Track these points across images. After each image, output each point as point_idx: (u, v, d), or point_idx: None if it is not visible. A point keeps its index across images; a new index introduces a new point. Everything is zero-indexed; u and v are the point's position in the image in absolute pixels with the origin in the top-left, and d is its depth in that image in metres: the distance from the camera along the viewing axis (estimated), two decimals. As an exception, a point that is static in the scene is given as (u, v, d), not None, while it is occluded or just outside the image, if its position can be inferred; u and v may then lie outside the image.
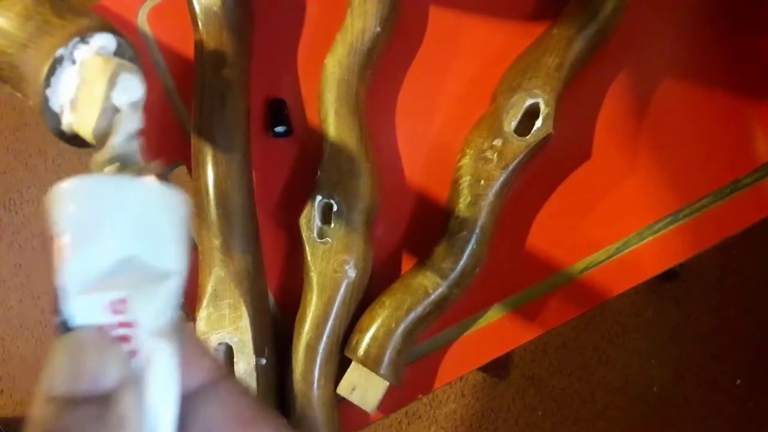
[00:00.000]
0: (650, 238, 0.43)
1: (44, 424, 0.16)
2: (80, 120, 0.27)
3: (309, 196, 0.42)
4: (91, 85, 0.26)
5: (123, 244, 0.19)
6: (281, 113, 0.45)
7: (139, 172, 0.23)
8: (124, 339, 0.18)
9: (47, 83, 0.27)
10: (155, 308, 0.19)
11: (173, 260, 0.20)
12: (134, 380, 0.18)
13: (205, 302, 0.40)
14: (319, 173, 0.42)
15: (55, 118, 0.28)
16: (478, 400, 1.13)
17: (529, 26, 0.44)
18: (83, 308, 0.18)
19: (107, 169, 0.22)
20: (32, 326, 1.24)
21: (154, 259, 0.19)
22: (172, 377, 0.19)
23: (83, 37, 0.27)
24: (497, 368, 1.13)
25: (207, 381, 0.19)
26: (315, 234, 0.41)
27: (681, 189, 0.43)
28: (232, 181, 0.41)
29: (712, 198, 0.43)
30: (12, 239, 1.26)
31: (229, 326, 0.40)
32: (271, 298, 0.45)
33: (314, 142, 0.44)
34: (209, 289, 0.40)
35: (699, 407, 1.09)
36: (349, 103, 0.42)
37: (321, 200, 0.41)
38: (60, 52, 0.27)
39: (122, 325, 0.18)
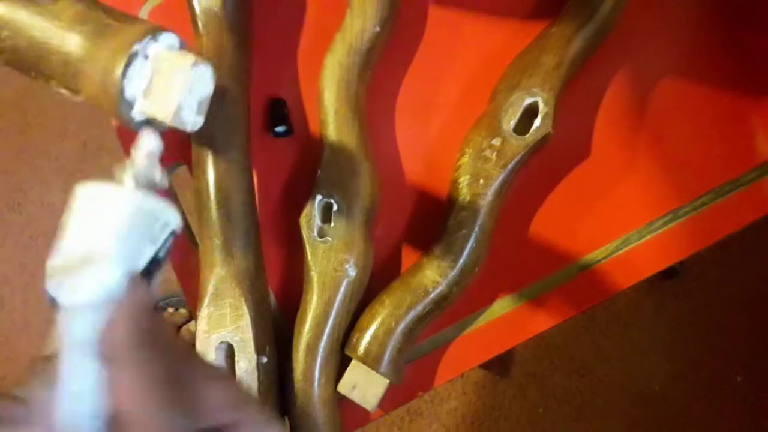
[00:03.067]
0: (650, 236, 0.43)
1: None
2: (157, 106, 0.30)
3: (309, 195, 0.42)
4: (169, 75, 0.30)
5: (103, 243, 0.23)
6: (281, 113, 0.45)
7: (152, 188, 0.26)
8: None
9: (124, 75, 0.30)
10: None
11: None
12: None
13: (206, 301, 0.40)
14: (319, 172, 0.42)
15: (128, 105, 0.32)
16: (479, 398, 1.13)
17: (528, 25, 0.44)
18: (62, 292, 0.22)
19: (127, 183, 0.26)
20: (37, 325, 1.25)
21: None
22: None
23: (154, 35, 0.31)
24: (498, 366, 1.13)
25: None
26: (315, 233, 0.41)
27: (680, 187, 0.43)
28: (233, 180, 0.41)
29: (711, 196, 0.43)
30: (16, 239, 1.27)
31: (230, 325, 0.40)
32: (272, 297, 0.45)
33: (314, 142, 0.44)
34: (210, 288, 0.40)
35: (699, 404, 1.09)
36: (348, 103, 0.42)
37: (321, 199, 0.41)
38: (136, 47, 0.31)
39: None
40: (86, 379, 0.21)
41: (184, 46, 0.33)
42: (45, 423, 0.21)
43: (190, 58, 0.30)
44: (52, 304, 0.22)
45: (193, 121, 0.29)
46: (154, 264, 0.25)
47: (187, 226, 0.46)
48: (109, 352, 0.21)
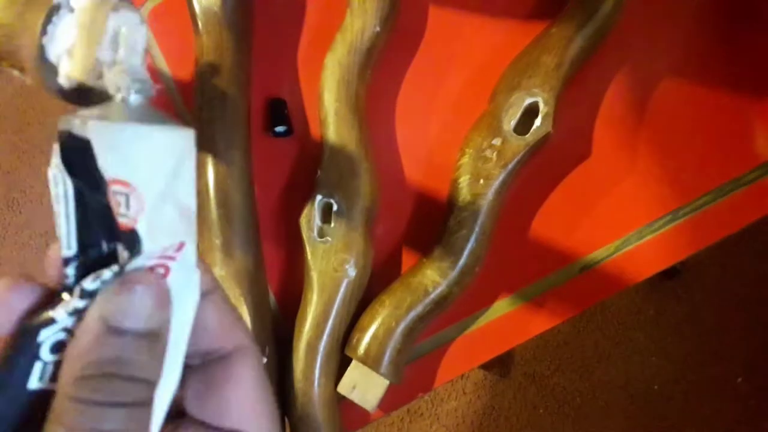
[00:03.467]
0: (650, 236, 0.43)
1: (96, 349, 0.18)
2: (78, 64, 0.26)
3: (309, 195, 0.42)
4: (89, 26, 0.25)
5: (169, 190, 0.20)
6: (281, 113, 0.45)
7: (146, 90, 0.22)
8: (165, 274, 0.20)
9: (44, 31, 0.26)
10: (191, 245, 0.21)
11: (192, 195, 0.21)
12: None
13: (206, 301, 0.40)
14: (319, 173, 0.42)
15: (52, 69, 0.27)
16: (479, 398, 1.13)
17: (528, 25, 0.44)
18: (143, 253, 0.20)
19: (116, 93, 0.22)
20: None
21: (185, 198, 0.21)
22: (194, 303, 0.21)
23: None
24: (498, 366, 1.13)
25: (205, 290, 0.22)
26: (315, 233, 0.41)
27: (681, 187, 0.43)
28: (233, 180, 0.41)
29: (712, 196, 0.43)
30: (15, 238, 1.27)
31: (229, 325, 0.40)
32: (272, 298, 0.45)
33: (314, 142, 0.44)
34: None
35: (700, 405, 1.09)
36: (348, 103, 0.42)
37: (321, 199, 0.41)
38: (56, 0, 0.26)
39: (165, 264, 0.20)
40: None
41: None
42: None
43: (110, 2, 0.25)
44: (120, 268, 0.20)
45: (125, 81, 0.23)
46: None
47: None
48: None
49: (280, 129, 0.45)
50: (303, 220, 0.42)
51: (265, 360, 0.40)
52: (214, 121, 0.41)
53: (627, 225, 0.43)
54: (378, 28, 0.42)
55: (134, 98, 0.22)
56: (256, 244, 0.42)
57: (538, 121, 0.40)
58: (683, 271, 1.12)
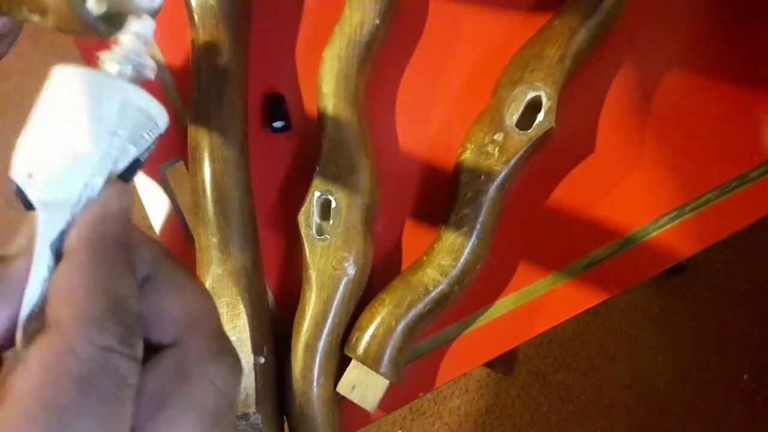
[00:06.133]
0: (655, 233, 0.42)
1: None
2: None
3: (307, 191, 0.41)
4: None
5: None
6: (279, 108, 0.45)
7: (139, 72, 0.23)
8: None
9: None
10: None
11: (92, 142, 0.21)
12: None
13: (202, 300, 0.40)
14: (317, 168, 0.41)
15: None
16: (482, 396, 1.12)
17: (530, 18, 0.44)
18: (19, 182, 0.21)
19: (110, 67, 0.23)
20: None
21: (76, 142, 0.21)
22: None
23: None
24: (502, 364, 1.12)
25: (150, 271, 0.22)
26: (314, 231, 0.41)
27: (686, 183, 0.43)
28: (230, 177, 0.40)
29: (717, 192, 0.42)
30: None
31: (227, 325, 0.39)
32: (270, 296, 0.44)
33: (313, 137, 0.44)
34: (206, 286, 0.40)
35: (706, 403, 1.09)
36: (347, 98, 0.41)
37: (320, 196, 0.41)
38: None
39: None
40: (42, 281, 0.21)
41: None
42: None
43: None
44: (20, 196, 0.21)
45: (124, 57, 0.24)
46: (132, 166, 0.23)
47: (183, 223, 0.46)
48: (65, 251, 0.21)
49: (278, 124, 0.45)
50: (301, 217, 0.41)
51: (262, 360, 0.39)
52: (210, 116, 0.40)
53: (632, 221, 0.43)
54: (377, 21, 0.41)
55: (128, 71, 0.23)
56: (254, 241, 0.42)
57: (540, 116, 0.39)
58: (688, 268, 1.11)
